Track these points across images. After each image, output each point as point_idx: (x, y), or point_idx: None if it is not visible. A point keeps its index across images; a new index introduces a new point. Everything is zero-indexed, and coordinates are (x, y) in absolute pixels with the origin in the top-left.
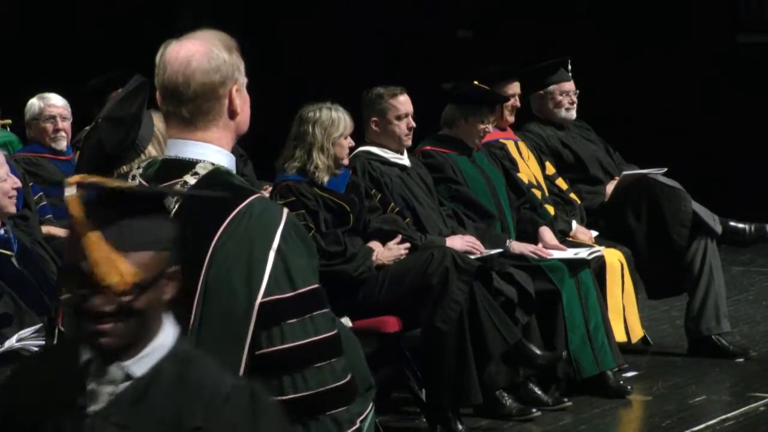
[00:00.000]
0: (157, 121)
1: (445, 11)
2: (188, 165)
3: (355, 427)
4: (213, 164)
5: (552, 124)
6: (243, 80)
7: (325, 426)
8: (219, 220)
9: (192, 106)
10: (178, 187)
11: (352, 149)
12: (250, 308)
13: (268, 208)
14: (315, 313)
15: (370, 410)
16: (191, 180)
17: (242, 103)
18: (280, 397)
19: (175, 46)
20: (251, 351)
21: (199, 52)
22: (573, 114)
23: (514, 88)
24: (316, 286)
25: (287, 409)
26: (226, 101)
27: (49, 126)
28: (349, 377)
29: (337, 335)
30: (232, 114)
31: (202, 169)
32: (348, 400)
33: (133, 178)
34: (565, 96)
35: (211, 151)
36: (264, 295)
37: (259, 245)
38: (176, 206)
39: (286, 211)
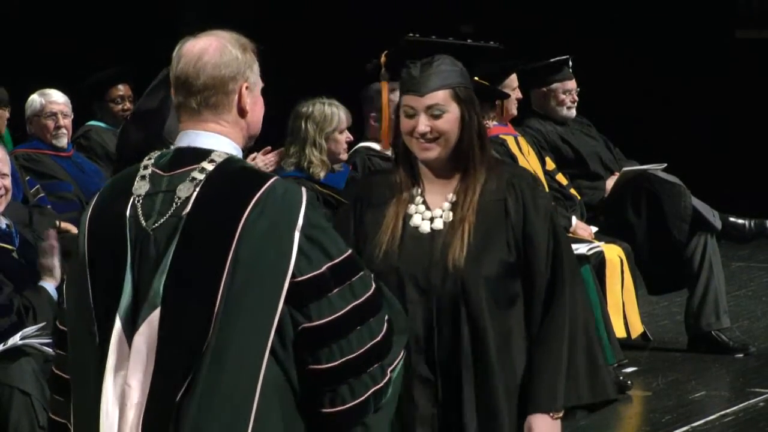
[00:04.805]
0: None
1: (447, 6)
2: (204, 153)
3: (387, 378)
4: (227, 153)
5: (552, 120)
6: (255, 80)
7: (364, 382)
8: (244, 203)
9: (201, 97)
10: (195, 173)
11: (352, 144)
12: (280, 288)
13: (289, 188)
14: (353, 279)
15: (400, 359)
16: (209, 166)
17: (253, 102)
18: (328, 365)
19: (191, 41)
20: (294, 327)
21: (213, 47)
22: (573, 112)
23: (514, 81)
24: (349, 251)
25: (334, 376)
26: (236, 97)
27: (50, 123)
28: (384, 329)
29: (374, 293)
30: (242, 112)
31: (218, 157)
32: (383, 354)
33: (145, 168)
34: (568, 95)
35: (223, 143)
36: (300, 274)
37: (284, 225)
38: (196, 191)
39: (304, 189)
